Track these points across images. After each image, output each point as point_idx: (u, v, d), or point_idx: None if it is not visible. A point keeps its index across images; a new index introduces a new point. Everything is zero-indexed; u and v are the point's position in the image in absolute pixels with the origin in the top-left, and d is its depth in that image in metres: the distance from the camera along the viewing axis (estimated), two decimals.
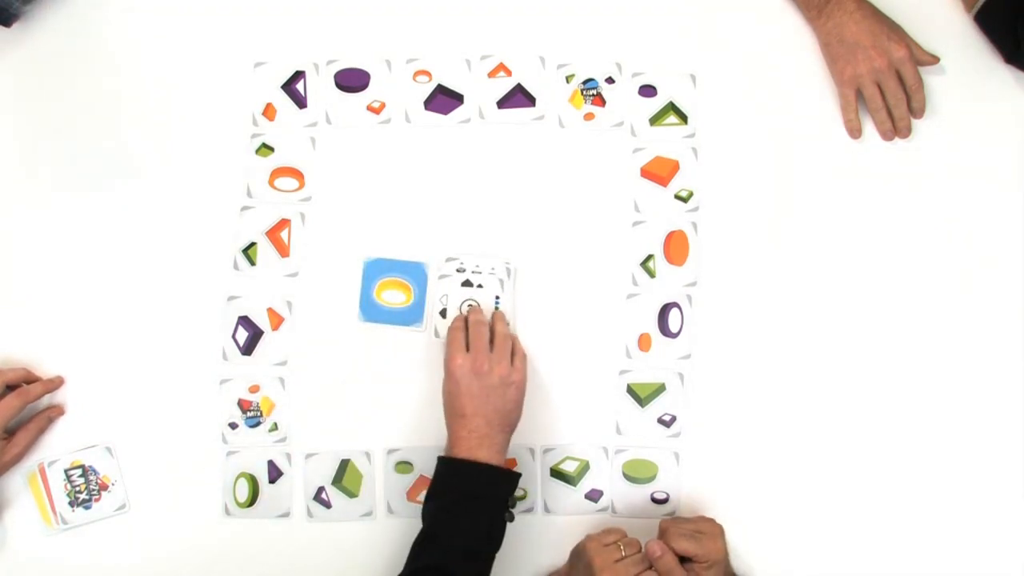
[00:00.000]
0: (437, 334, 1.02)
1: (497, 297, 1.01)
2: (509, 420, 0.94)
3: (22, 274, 1.03)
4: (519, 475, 0.94)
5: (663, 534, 0.91)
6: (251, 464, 1.01)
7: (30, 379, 1.00)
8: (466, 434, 0.91)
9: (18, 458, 0.99)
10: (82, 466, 1.01)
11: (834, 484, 1.00)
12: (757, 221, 1.04)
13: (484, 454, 0.91)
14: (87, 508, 1.00)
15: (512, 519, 0.92)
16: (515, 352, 0.96)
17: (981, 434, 1.00)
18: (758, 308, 1.02)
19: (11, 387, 0.98)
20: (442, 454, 0.93)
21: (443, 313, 1.01)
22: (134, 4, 1.09)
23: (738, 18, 1.07)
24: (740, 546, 0.96)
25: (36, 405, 1.00)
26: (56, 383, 1.01)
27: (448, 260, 1.02)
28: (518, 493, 1.00)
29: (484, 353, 0.94)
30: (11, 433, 0.98)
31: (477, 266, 1.01)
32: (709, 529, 0.91)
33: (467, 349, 0.94)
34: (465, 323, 0.98)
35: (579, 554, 0.91)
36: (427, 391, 1.01)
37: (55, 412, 1.00)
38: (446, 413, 0.95)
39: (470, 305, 1.00)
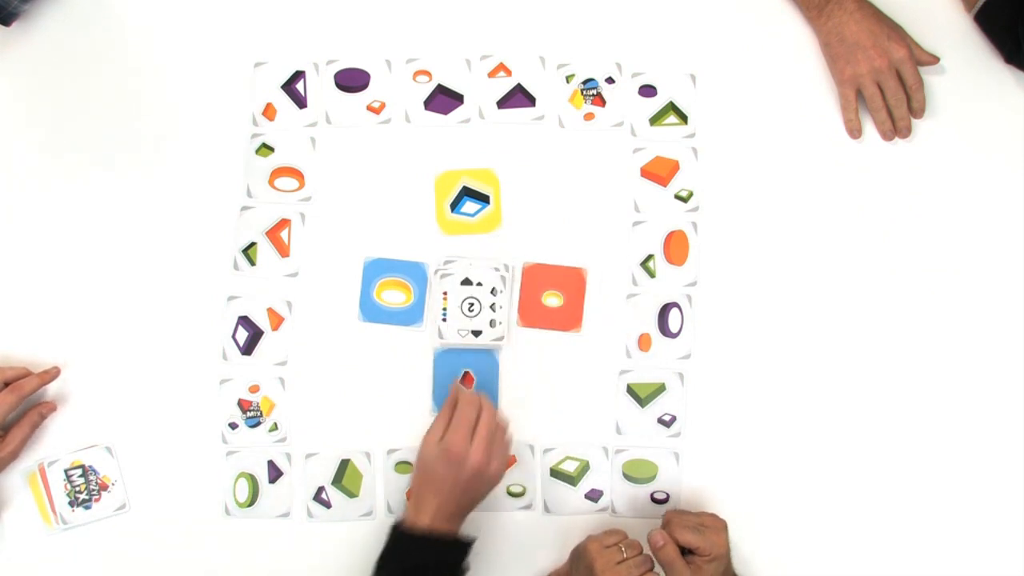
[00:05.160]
0: (441, 335, 1.01)
1: (494, 290, 1.00)
2: (471, 507, 0.91)
3: (22, 274, 1.03)
4: (472, 541, 0.90)
5: (667, 524, 0.91)
6: (251, 464, 1.01)
7: None
8: (424, 507, 0.89)
9: (13, 455, 0.98)
10: (82, 466, 1.00)
11: (835, 484, 1.00)
12: (757, 221, 1.04)
13: (441, 525, 0.88)
14: (87, 508, 1.00)
15: None
16: (496, 444, 0.91)
17: (981, 433, 1.00)
18: (758, 308, 1.02)
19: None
20: (396, 520, 0.91)
21: (444, 316, 1.02)
22: (134, 4, 1.09)
23: (738, 18, 1.07)
24: (740, 546, 0.96)
25: (34, 400, 0.99)
26: (52, 374, 0.99)
27: (447, 262, 1.02)
28: (516, 490, 1.00)
29: (463, 439, 0.89)
30: (5, 431, 0.97)
31: (475, 272, 1.01)
32: (713, 523, 0.91)
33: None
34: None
35: (580, 555, 0.91)
36: (427, 391, 1.01)
37: (47, 408, 0.99)
38: (413, 476, 0.93)
39: (464, 378, 1.00)
